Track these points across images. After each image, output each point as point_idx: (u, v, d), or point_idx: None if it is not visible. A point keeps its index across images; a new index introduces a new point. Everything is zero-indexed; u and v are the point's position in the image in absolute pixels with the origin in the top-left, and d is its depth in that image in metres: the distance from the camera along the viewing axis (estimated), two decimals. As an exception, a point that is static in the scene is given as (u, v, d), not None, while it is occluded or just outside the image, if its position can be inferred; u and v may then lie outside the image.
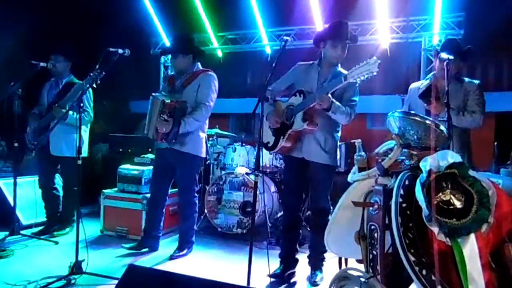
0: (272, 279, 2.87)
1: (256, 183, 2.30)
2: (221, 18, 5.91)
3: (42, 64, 3.70)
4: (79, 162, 2.76)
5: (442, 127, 1.27)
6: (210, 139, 4.81)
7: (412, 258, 1.05)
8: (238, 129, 6.61)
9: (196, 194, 3.49)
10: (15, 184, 3.72)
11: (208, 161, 4.82)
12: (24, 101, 3.64)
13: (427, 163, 1.10)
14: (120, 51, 2.98)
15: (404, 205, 1.12)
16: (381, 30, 5.01)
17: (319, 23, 5.23)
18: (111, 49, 2.93)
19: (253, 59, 6.06)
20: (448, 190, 1.07)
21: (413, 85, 3.09)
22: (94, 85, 3.02)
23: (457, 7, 4.71)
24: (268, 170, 4.42)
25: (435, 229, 1.04)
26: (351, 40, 2.87)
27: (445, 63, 2.62)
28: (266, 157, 4.33)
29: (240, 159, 4.35)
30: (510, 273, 1.03)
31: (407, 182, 1.15)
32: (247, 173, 4.09)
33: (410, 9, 4.93)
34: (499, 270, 1.05)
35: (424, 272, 1.04)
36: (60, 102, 3.65)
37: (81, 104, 2.86)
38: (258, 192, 3.93)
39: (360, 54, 5.21)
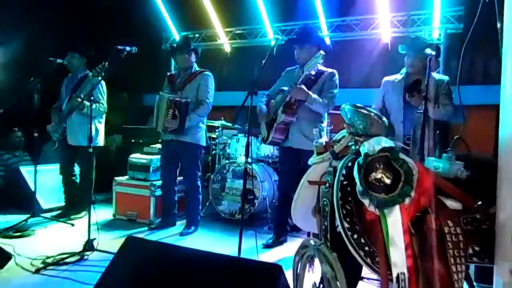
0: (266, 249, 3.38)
1: (245, 169, 2.55)
2: (228, 14, 6.11)
3: (58, 60, 4.00)
4: (90, 150, 3.05)
5: (384, 119, 1.47)
6: (217, 130, 5.05)
7: (346, 225, 1.26)
8: (244, 121, 6.81)
9: (199, 179, 3.89)
10: (35, 171, 4.05)
11: (215, 151, 5.09)
12: (42, 95, 3.95)
13: (365, 148, 1.31)
14: (128, 48, 3.21)
15: (345, 182, 1.33)
16: (382, 24, 5.13)
17: (322, 17, 5.39)
18: (119, 47, 3.18)
19: (260, 53, 6.24)
20: (380, 170, 1.28)
21: (386, 78, 3.31)
22: (99, 78, 3.29)
23: (457, 1, 4.78)
24: (270, 160, 4.64)
25: (366, 202, 1.25)
26: (316, 43, 3.28)
27: (428, 58, 2.80)
28: (268, 148, 4.56)
29: (243, 149, 4.58)
30: (427, 238, 1.25)
31: (349, 164, 1.35)
32: (248, 163, 4.31)
33: (411, 4, 5.03)
34: (419, 236, 1.27)
35: (355, 236, 1.26)
36: (76, 93, 3.96)
37: (92, 97, 3.14)
38: (259, 180, 4.22)
39: (362, 48, 5.41)
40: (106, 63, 3.21)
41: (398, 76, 3.23)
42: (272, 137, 3.35)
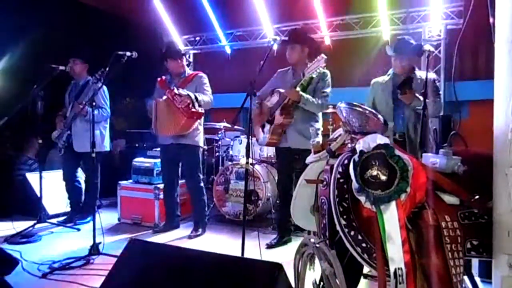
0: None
1: (246, 170, 2.58)
2: (228, 16, 6.14)
3: (61, 67, 4.05)
4: (93, 155, 3.09)
5: (379, 116, 1.49)
6: (219, 132, 5.07)
7: (343, 222, 1.28)
8: (247, 122, 6.82)
9: (202, 180, 3.91)
10: (40, 177, 4.10)
11: (218, 153, 5.11)
12: (46, 102, 3.98)
13: (360, 145, 1.33)
14: (128, 53, 3.24)
15: (341, 180, 1.34)
16: (382, 22, 5.13)
17: (321, 17, 5.40)
18: (119, 52, 3.21)
19: (261, 54, 6.24)
20: (376, 166, 1.29)
21: (375, 80, 3.38)
22: (99, 84, 3.32)
23: (457, -3, 4.77)
24: (273, 161, 4.65)
25: (362, 199, 1.26)
26: (304, 43, 3.33)
27: (426, 54, 2.83)
28: (271, 148, 4.57)
29: (245, 150, 4.58)
30: (423, 234, 1.26)
31: (345, 162, 1.37)
32: (251, 164, 4.33)
33: (410, 0, 5.02)
34: (415, 231, 1.27)
35: (352, 233, 1.27)
36: (78, 100, 4.00)
37: (93, 103, 3.18)
38: (262, 181, 4.23)
39: (362, 47, 5.40)
40: (106, 69, 3.23)
41: (385, 77, 3.31)
42: (270, 139, 3.38)
